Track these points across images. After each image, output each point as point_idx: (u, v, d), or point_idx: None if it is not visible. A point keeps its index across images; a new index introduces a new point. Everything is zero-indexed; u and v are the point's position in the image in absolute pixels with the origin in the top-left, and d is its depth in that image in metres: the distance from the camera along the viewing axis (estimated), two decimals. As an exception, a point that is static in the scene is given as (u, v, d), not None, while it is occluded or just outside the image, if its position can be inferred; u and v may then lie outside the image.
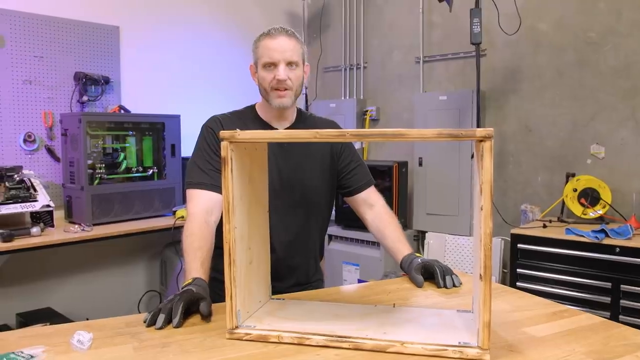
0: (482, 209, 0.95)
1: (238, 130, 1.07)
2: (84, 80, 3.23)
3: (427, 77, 3.92)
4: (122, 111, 3.34)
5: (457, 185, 3.51)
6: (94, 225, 2.93)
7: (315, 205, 1.63)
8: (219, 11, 4.07)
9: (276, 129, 1.60)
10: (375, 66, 4.24)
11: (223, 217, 1.08)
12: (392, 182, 3.57)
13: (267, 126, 1.60)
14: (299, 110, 1.67)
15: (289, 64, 1.51)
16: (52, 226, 2.84)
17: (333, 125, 1.71)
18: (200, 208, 1.44)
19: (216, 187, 1.47)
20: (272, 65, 1.51)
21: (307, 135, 1.04)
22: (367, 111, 4.19)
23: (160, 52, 3.71)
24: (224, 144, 1.07)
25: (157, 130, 3.31)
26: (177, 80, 3.81)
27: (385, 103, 4.17)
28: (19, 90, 3.06)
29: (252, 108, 1.64)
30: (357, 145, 4.02)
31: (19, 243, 2.53)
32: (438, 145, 3.57)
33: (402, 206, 3.65)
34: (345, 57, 4.41)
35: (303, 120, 1.66)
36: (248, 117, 1.61)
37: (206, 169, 1.51)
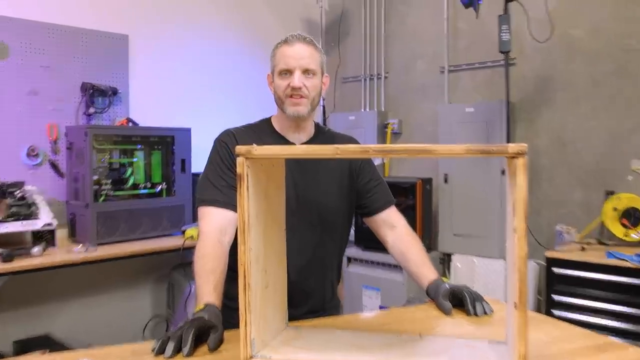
0: (515, 231, 0.94)
1: (255, 145, 1.08)
2: (91, 91, 3.25)
3: (452, 88, 3.93)
4: (130, 124, 3.36)
5: (486, 203, 3.49)
6: (99, 245, 2.93)
7: (333, 225, 1.63)
8: (233, 19, 4.11)
9: (293, 143, 1.62)
10: (397, 76, 4.27)
11: (238, 237, 1.08)
12: (416, 200, 3.57)
13: (283, 140, 1.62)
14: (316, 125, 1.68)
15: (306, 71, 1.54)
16: (54, 245, 2.84)
17: (352, 141, 1.71)
18: (213, 227, 1.45)
19: (230, 205, 1.47)
20: (287, 72, 1.54)
21: (327, 151, 1.04)
22: (388, 124, 4.21)
23: (170, 62, 3.73)
24: (239, 159, 1.07)
25: (167, 144, 3.32)
26: (188, 92, 3.82)
27: (408, 115, 4.19)
28: (24, 102, 3.08)
29: (267, 121, 1.66)
30: (377, 161, 4.05)
31: (18, 264, 2.51)
32: (465, 159, 3.56)
33: (426, 226, 3.64)
34: (365, 67, 4.43)
35: (321, 135, 1.68)
36: (263, 131, 1.62)
37: (219, 186, 1.52)
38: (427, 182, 3.67)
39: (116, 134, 3.12)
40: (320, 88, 1.59)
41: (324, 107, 4.34)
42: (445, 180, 3.68)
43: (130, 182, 3.16)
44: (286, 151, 1.18)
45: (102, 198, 3.02)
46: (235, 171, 1.08)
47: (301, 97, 1.54)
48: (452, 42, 3.91)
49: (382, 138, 4.19)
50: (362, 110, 4.42)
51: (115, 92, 3.38)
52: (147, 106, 3.56)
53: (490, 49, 3.59)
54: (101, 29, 3.39)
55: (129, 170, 3.16)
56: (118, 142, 3.13)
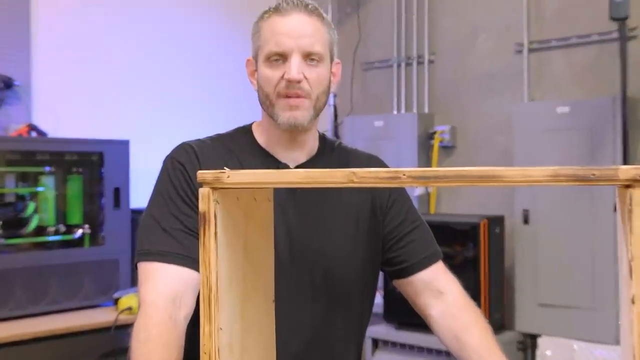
0: (633, 301, 0.94)
1: (226, 168, 1.08)
2: (-31, 82, 3.26)
3: (536, 77, 3.90)
4: (34, 133, 3.33)
5: (590, 256, 3.45)
6: None
7: (346, 291, 1.66)
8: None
9: (286, 165, 1.64)
10: (448, 60, 4.24)
11: (201, 312, 1.08)
12: (478, 250, 3.55)
13: (270, 160, 1.64)
14: (321, 138, 1.72)
15: (308, 56, 1.56)
16: None
17: (375, 162, 1.77)
18: (161, 294, 1.47)
19: (188, 260, 1.50)
20: (280, 57, 1.56)
21: (338, 177, 1.04)
22: (435, 133, 4.19)
23: (97, 40, 3.74)
24: (203, 191, 1.08)
25: (92, 166, 3.34)
26: (126, 85, 3.84)
27: (465, 120, 4.16)
28: None
29: (246, 132, 1.70)
30: (417, 191, 4.11)
31: None
32: (555, 189, 3.47)
33: (494, 291, 3.62)
34: (399, 46, 4.42)
35: (328, 152, 1.72)
36: (241, 147, 1.66)
37: (171, 229, 1.54)
38: (497, 222, 3.65)
39: (11, 150, 3.12)
40: (329, 81, 1.62)
41: (335, 107, 4.36)
42: (526, 220, 3.64)
43: (33, 223, 3.15)
44: (276, 178, 1.15)
45: (-13, 249, 3.02)
46: (197, 207, 1.13)
47: (300, 96, 1.56)
48: (536, 6, 3.89)
49: (425, 154, 4.17)
50: (394, 112, 4.41)
51: (9, 84, 3.35)
52: (60, 106, 3.55)
53: (596, 14, 3.58)
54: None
55: (31, 206, 3.14)
56: (14, 162, 3.13)
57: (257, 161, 1.63)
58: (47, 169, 3.17)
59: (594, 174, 0.93)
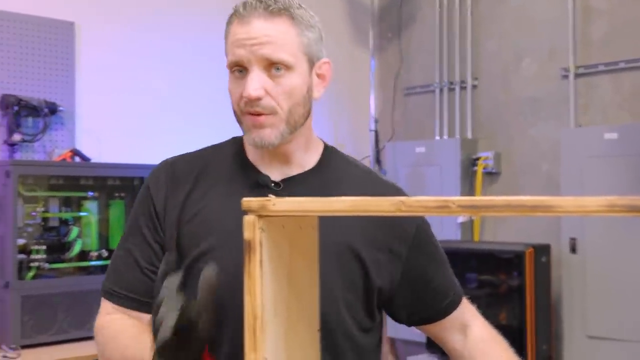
0: None
1: (272, 196, 1.06)
2: (15, 108, 3.25)
3: (582, 102, 3.90)
4: (78, 159, 3.35)
5: None
6: (23, 348, 2.90)
7: (349, 338, 1.54)
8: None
9: (266, 176, 1.53)
10: (492, 85, 4.26)
11: (245, 341, 1.07)
12: (524, 279, 3.52)
13: (250, 172, 1.55)
14: (325, 150, 1.61)
15: (271, 66, 1.43)
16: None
17: (388, 188, 1.63)
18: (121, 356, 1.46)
19: (135, 303, 1.50)
20: (239, 68, 1.46)
21: (384, 207, 1.01)
22: (478, 159, 4.20)
23: (140, 65, 3.75)
24: (249, 219, 1.07)
25: (134, 190, 3.30)
26: (169, 111, 3.85)
27: (510, 146, 4.17)
28: None
29: (236, 141, 1.61)
30: (460, 218, 4.11)
31: None
32: (605, 217, 3.46)
33: (541, 322, 3.58)
34: (442, 71, 4.44)
35: (328, 164, 1.60)
36: (224, 156, 1.58)
37: (143, 262, 1.50)
38: (543, 251, 3.62)
39: (55, 175, 3.12)
40: (308, 89, 1.49)
41: (376, 133, 4.37)
42: (573, 249, 3.61)
43: (76, 249, 3.14)
44: (322, 206, 1.10)
45: (31, 273, 3.01)
46: (159, 232, 1.22)
47: (263, 114, 1.44)
48: (583, 28, 3.88)
49: (468, 181, 4.19)
50: (437, 137, 4.43)
51: (53, 109, 3.37)
52: (103, 131, 3.57)
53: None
54: (33, 13, 3.39)
55: (74, 231, 3.14)
56: (58, 188, 3.12)
57: (236, 173, 1.55)
58: (90, 193, 3.19)
59: (649, 204, 0.88)
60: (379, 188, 1.59)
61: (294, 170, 1.54)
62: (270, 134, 1.44)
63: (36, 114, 3.32)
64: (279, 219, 1.10)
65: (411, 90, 4.55)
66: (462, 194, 4.07)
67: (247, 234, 1.07)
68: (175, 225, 1.49)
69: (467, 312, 1.66)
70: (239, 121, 1.49)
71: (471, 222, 4.17)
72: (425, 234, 1.61)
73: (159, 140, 3.75)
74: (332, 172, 1.57)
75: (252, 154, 1.56)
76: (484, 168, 4.14)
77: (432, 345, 3.66)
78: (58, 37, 3.46)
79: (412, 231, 1.58)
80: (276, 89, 1.43)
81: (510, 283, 3.52)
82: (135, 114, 3.73)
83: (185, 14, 3.94)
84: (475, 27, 4.30)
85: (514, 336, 3.44)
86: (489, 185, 4.17)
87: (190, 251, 1.46)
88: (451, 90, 4.38)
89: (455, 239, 4.06)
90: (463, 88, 4.34)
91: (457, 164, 4.14)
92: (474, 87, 4.30)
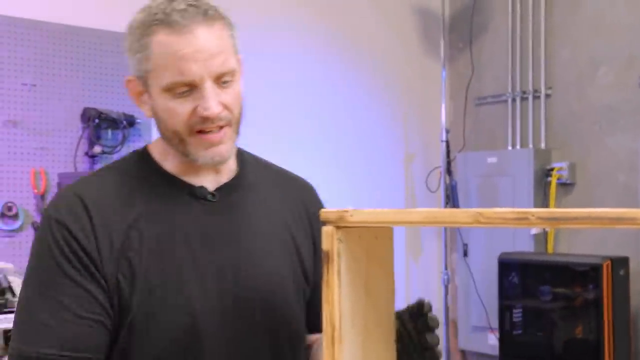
0: None
1: (349, 208, 1.08)
2: (96, 120, 3.29)
3: None
4: None
5: None
6: None
7: (297, 329, 1.50)
8: (315, 16, 4.17)
9: (202, 188, 1.43)
10: (566, 94, 4.22)
11: (324, 350, 1.10)
12: (600, 292, 3.49)
13: (182, 186, 1.43)
14: (237, 151, 1.53)
15: (221, 77, 1.34)
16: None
17: (304, 189, 1.61)
18: None
19: None
20: (188, 87, 1.33)
21: (462, 218, 1.04)
22: (552, 170, 4.17)
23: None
24: (327, 230, 1.09)
25: None
26: (251, 127, 3.85)
27: (585, 156, 4.13)
28: (-3, 137, 3.16)
29: (143, 157, 1.47)
30: (533, 230, 4.07)
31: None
32: None
33: (620, 337, 3.55)
34: (514, 80, 4.43)
35: (250, 170, 1.53)
36: (143, 176, 1.44)
37: (87, 315, 1.31)
38: (621, 263, 3.59)
39: None
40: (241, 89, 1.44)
41: (447, 143, 4.31)
42: None
43: None
44: (399, 217, 1.15)
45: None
46: (96, 279, 1.24)
47: (222, 127, 1.36)
48: None
49: (542, 191, 4.16)
50: (509, 147, 4.41)
51: (131, 121, 3.42)
52: None
53: None
54: (111, 29, 3.40)
55: None
56: None
57: (168, 190, 1.41)
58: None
59: None
60: (295, 186, 1.59)
61: (224, 177, 1.46)
62: (227, 149, 1.38)
63: (115, 126, 3.37)
64: (356, 230, 1.13)
65: (482, 100, 4.55)
66: (536, 206, 4.03)
67: (325, 245, 1.09)
68: (115, 260, 1.32)
69: None
70: (181, 143, 1.36)
71: (545, 233, 4.14)
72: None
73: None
74: (252, 174, 1.52)
75: (172, 166, 1.43)
76: (558, 179, 4.12)
77: (508, 355, 3.69)
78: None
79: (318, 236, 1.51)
80: (228, 99, 1.35)
81: (587, 296, 3.50)
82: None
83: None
84: (548, 35, 4.27)
85: (591, 351, 3.42)
86: (564, 196, 4.15)
87: (147, 283, 1.33)
88: (524, 99, 4.37)
89: (528, 250, 4.03)
90: (536, 97, 4.31)
91: (530, 174, 4.12)
92: (548, 96, 4.28)
